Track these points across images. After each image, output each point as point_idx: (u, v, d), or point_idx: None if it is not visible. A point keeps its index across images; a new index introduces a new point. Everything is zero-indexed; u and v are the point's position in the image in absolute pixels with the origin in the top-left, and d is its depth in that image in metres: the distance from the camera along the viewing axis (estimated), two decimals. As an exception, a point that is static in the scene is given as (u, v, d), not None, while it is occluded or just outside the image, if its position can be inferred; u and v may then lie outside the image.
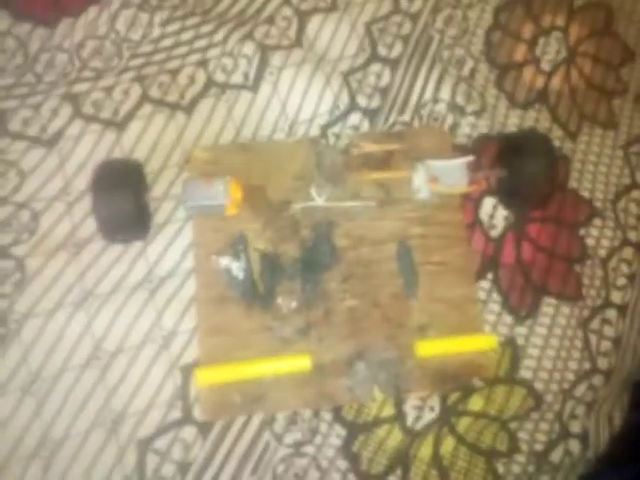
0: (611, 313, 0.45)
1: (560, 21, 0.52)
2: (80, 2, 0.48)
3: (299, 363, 0.40)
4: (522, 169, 0.42)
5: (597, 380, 0.44)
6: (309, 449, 0.41)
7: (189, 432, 0.40)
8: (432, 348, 0.42)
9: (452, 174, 0.43)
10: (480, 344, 0.42)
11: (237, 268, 0.42)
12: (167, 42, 0.48)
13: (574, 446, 0.43)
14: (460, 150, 0.47)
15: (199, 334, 0.41)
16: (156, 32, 0.48)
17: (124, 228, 0.40)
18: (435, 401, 0.42)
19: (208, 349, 0.41)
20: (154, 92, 0.46)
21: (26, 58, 0.47)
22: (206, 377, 0.40)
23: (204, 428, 0.40)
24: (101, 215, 0.39)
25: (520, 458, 0.42)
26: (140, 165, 0.43)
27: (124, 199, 0.39)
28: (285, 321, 0.42)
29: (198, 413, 0.40)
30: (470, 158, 0.43)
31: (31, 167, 0.44)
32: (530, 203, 0.45)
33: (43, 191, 0.44)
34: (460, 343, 0.42)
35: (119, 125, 0.45)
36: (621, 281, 0.46)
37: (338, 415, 0.41)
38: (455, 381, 0.42)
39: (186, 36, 0.48)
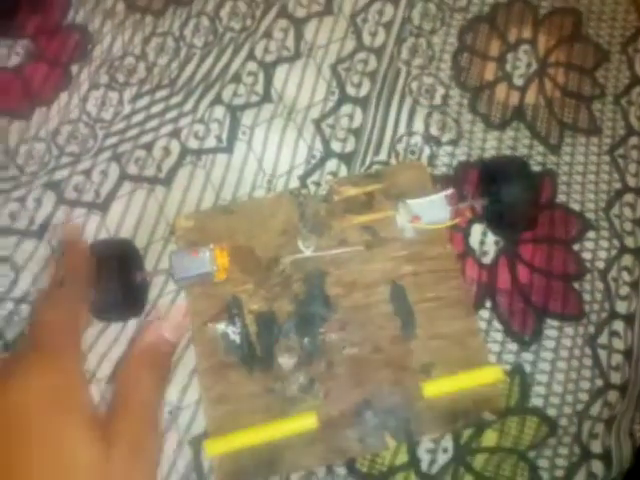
0: (618, 325, 0.44)
1: (527, 33, 0.51)
2: (51, 89, 0.49)
3: (305, 421, 0.40)
4: (500, 197, 0.41)
5: (612, 396, 0.43)
6: (327, 507, 0.41)
7: (207, 504, 0.40)
8: (438, 387, 0.41)
9: (433, 210, 0.42)
10: (485, 377, 0.42)
11: (234, 332, 0.43)
12: (138, 117, 0.48)
13: (597, 467, 0.42)
14: (441, 181, 0.47)
15: (204, 405, 0.42)
16: (127, 109, 0.49)
17: (116, 308, 0.41)
18: (448, 442, 0.42)
19: (214, 419, 0.41)
20: (131, 169, 0.47)
21: (7, 153, 0.48)
22: (216, 448, 0.40)
23: (221, 498, 0.40)
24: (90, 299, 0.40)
25: (542, 487, 0.41)
26: (126, 243, 0.44)
27: (110, 279, 0.39)
28: (287, 380, 0.42)
29: (214, 484, 0.41)
30: (449, 191, 0.43)
31: (24, 260, 0.45)
32: (515, 229, 0.44)
33: (38, 282, 0.44)
34: (465, 379, 0.42)
35: (102, 206, 0.46)
36: (624, 290, 0.45)
37: (352, 468, 0.41)
38: (466, 418, 0.41)
39: (156, 109, 0.48)
